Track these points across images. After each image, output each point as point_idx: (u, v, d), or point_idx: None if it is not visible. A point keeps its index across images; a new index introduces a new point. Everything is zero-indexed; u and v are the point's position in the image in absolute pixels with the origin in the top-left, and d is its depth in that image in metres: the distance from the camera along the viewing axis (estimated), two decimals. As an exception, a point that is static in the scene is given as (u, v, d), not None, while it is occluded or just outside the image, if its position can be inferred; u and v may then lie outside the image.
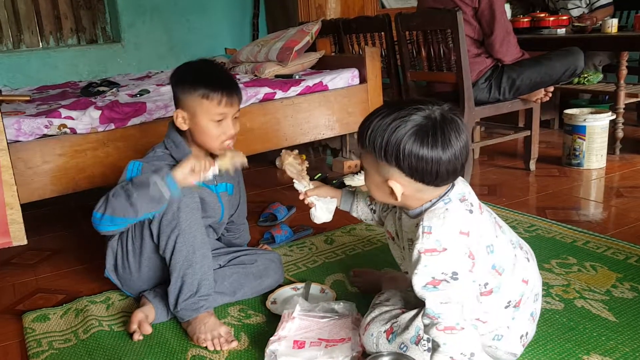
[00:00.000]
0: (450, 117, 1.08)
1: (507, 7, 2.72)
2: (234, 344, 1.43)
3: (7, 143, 1.63)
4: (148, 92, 2.42)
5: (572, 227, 2.01)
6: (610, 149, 2.88)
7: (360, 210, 1.45)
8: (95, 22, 4.30)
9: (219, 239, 1.83)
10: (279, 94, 2.42)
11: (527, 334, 1.24)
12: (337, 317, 1.44)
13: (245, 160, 1.51)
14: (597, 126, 2.70)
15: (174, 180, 1.41)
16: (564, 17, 3.27)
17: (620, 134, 2.93)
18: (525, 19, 3.29)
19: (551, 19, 3.24)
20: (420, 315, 1.14)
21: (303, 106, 2.47)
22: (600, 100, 3.63)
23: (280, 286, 1.71)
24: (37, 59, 3.95)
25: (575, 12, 3.75)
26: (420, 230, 1.08)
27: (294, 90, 2.46)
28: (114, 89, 2.57)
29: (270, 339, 1.36)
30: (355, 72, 2.63)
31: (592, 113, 2.76)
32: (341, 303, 1.48)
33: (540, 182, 2.63)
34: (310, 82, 2.51)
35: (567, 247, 1.87)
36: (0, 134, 1.59)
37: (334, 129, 2.57)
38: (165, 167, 1.45)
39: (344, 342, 1.34)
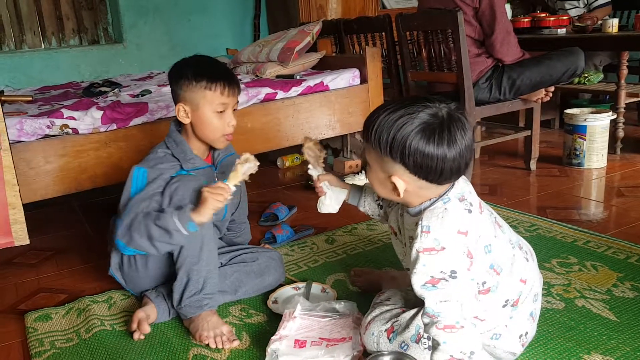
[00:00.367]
0: (457, 116, 1.08)
1: (508, 7, 2.72)
2: (236, 343, 1.43)
3: (10, 143, 1.63)
4: (150, 92, 2.43)
5: (572, 227, 2.02)
6: (611, 149, 2.88)
7: (368, 205, 1.46)
8: (97, 22, 4.31)
9: (220, 238, 1.83)
10: (280, 94, 2.42)
11: (526, 333, 1.24)
12: (338, 316, 1.44)
13: (257, 163, 1.49)
14: (597, 126, 2.70)
15: (195, 225, 1.43)
16: (565, 17, 3.28)
17: (620, 133, 2.93)
18: (526, 19, 3.29)
19: (551, 19, 3.24)
20: (420, 314, 1.14)
21: (304, 106, 2.48)
22: (600, 100, 3.63)
23: (281, 285, 1.71)
24: (39, 59, 3.96)
25: (573, 12, 3.75)
26: (419, 229, 1.08)
27: (295, 91, 2.47)
28: (115, 90, 2.58)
29: (272, 338, 1.36)
30: (356, 72, 2.63)
31: (592, 113, 2.77)
32: (342, 302, 1.49)
33: (541, 181, 2.64)
34: (311, 82, 2.52)
35: (567, 246, 1.87)
36: (2, 134, 1.59)
37: (335, 129, 2.58)
38: (186, 209, 1.44)
39: (345, 341, 1.35)
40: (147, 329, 1.48)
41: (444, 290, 1.06)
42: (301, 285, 1.71)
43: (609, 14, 3.73)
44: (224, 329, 1.46)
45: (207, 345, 1.44)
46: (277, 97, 2.42)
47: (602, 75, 3.33)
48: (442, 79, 2.62)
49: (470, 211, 1.12)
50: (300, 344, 1.34)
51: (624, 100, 2.93)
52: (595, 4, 3.71)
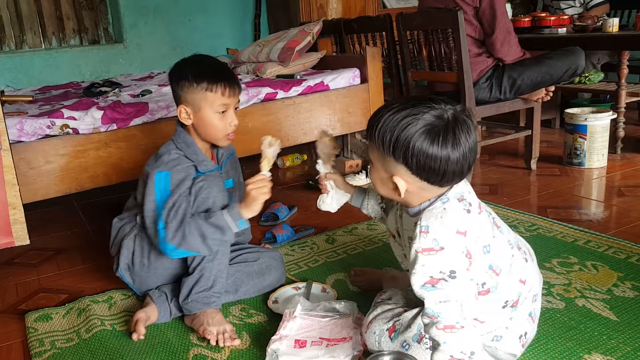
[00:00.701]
0: (463, 118, 1.07)
1: (508, 6, 2.72)
2: (237, 342, 1.44)
3: (10, 143, 1.63)
4: (150, 92, 2.43)
5: (573, 226, 2.02)
6: (612, 148, 2.88)
7: (371, 207, 1.46)
8: (97, 22, 4.31)
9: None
10: (281, 94, 2.42)
11: (525, 334, 1.24)
12: (338, 316, 1.44)
13: (279, 141, 1.53)
14: (598, 125, 2.70)
15: (245, 222, 1.47)
16: (565, 17, 3.27)
17: (621, 133, 2.93)
18: (526, 19, 3.29)
19: (552, 18, 3.24)
20: (421, 315, 1.14)
21: (304, 106, 2.48)
22: (601, 100, 3.62)
23: (281, 285, 1.71)
24: (40, 59, 3.96)
25: (570, 12, 3.75)
26: (418, 229, 1.08)
27: (295, 90, 2.47)
28: (116, 90, 2.58)
29: (272, 338, 1.36)
30: (357, 72, 2.63)
31: (593, 112, 2.76)
32: (342, 302, 1.49)
33: (542, 181, 2.64)
34: (312, 82, 2.52)
35: (568, 246, 1.87)
36: (2, 134, 1.59)
37: (335, 128, 2.58)
38: (234, 206, 1.48)
39: (345, 341, 1.35)
40: (141, 330, 1.48)
41: (444, 291, 1.06)
42: (301, 285, 1.71)
43: (606, 12, 3.73)
44: (227, 327, 1.47)
45: (209, 341, 1.44)
46: (278, 96, 2.42)
47: (602, 75, 3.33)
48: (442, 78, 2.62)
49: (469, 211, 1.12)
50: (300, 344, 1.34)
51: (624, 100, 2.93)
52: (593, 2, 3.71)
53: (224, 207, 1.50)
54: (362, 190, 1.48)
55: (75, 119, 2.00)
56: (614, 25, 2.91)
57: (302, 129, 2.48)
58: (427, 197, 1.14)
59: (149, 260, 1.60)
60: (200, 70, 1.57)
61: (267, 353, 1.33)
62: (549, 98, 2.66)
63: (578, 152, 2.75)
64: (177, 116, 1.62)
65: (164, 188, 1.52)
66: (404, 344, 1.22)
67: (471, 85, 2.48)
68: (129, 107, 2.10)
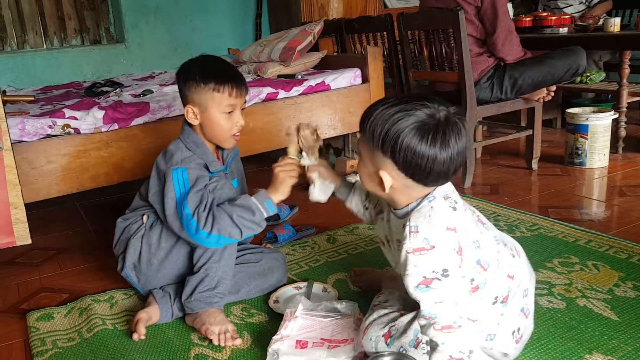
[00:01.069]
0: (455, 120, 1.08)
1: (510, 6, 2.72)
2: (238, 342, 1.44)
3: (12, 143, 1.63)
4: (151, 92, 2.43)
5: (574, 226, 2.01)
6: (613, 148, 2.88)
7: (354, 204, 1.47)
8: (99, 22, 4.32)
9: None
10: (282, 94, 2.43)
11: (519, 329, 1.22)
12: (339, 316, 1.44)
13: (312, 126, 1.52)
14: (599, 125, 2.70)
15: (273, 204, 1.49)
16: (566, 16, 3.27)
17: (622, 132, 2.93)
18: (528, 18, 3.29)
19: (553, 18, 3.24)
20: (417, 318, 1.14)
21: (305, 106, 2.48)
22: (602, 99, 3.62)
23: (282, 285, 1.71)
24: (41, 59, 3.97)
25: (569, 10, 3.74)
26: (407, 230, 1.08)
27: (297, 90, 2.47)
28: (117, 89, 2.58)
29: (273, 338, 1.36)
30: (358, 71, 2.63)
31: (594, 112, 2.76)
32: (344, 302, 1.49)
33: (543, 181, 2.63)
34: (313, 82, 2.52)
35: (569, 246, 1.87)
36: (4, 134, 1.60)
37: (336, 128, 2.58)
38: (263, 192, 1.50)
39: (346, 343, 1.34)
40: (142, 330, 1.49)
41: (438, 291, 1.06)
42: (302, 284, 1.71)
43: (608, 10, 3.72)
44: (229, 326, 1.47)
45: (211, 341, 1.44)
46: (279, 96, 2.42)
47: (604, 75, 3.33)
48: (443, 78, 2.62)
49: (455, 209, 1.12)
50: (301, 344, 1.34)
51: (626, 100, 2.92)
52: (595, 0, 3.70)
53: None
54: (349, 185, 1.49)
55: (76, 119, 2.00)
56: (615, 25, 2.91)
57: (303, 129, 2.48)
58: (413, 196, 1.14)
59: (155, 260, 1.60)
60: (207, 71, 1.57)
61: (268, 353, 1.33)
62: (550, 98, 2.66)
63: (579, 152, 2.75)
64: (183, 115, 1.62)
65: (182, 184, 1.52)
66: (401, 349, 1.21)
67: (472, 85, 2.48)
68: (130, 107, 2.11)
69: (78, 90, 2.90)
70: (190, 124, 1.62)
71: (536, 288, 1.38)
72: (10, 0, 3.95)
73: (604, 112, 2.74)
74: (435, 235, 1.07)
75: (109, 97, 2.43)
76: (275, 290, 1.68)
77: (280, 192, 1.49)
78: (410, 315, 1.23)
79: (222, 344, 1.43)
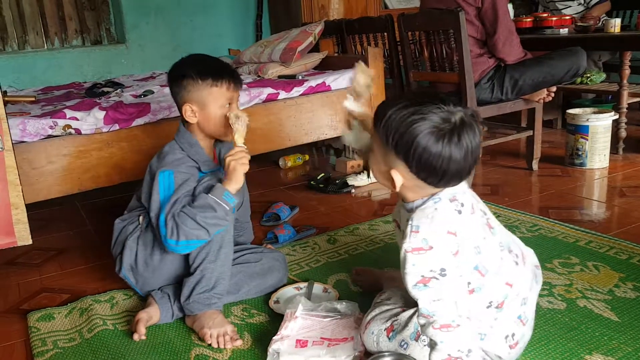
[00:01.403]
0: (470, 123, 1.08)
1: (510, 6, 2.72)
2: (239, 342, 1.44)
3: (13, 143, 1.63)
4: (152, 92, 2.44)
5: (574, 227, 2.02)
6: (613, 149, 2.88)
7: None
8: (99, 23, 4.32)
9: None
10: (282, 95, 2.43)
11: (513, 335, 1.20)
12: (339, 316, 1.44)
13: (245, 114, 1.59)
14: (599, 126, 2.70)
15: (230, 195, 1.48)
16: (567, 17, 3.27)
17: (623, 133, 2.93)
18: (528, 19, 3.29)
19: (554, 19, 3.24)
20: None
21: (306, 106, 2.48)
22: (603, 100, 3.62)
23: (283, 286, 1.72)
24: (42, 60, 3.97)
25: (568, 11, 3.74)
26: (409, 229, 1.09)
27: (297, 91, 2.47)
28: (118, 90, 2.58)
29: (273, 338, 1.36)
30: (358, 72, 2.63)
31: (594, 113, 2.76)
32: (344, 302, 1.49)
33: (543, 182, 2.63)
34: (313, 82, 2.52)
35: (569, 246, 1.87)
36: (5, 134, 1.60)
37: (337, 129, 2.58)
38: (214, 183, 1.51)
39: (346, 341, 1.35)
40: (142, 330, 1.49)
41: (435, 289, 1.07)
42: (303, 285, 1.71)
43: (607, 10, 3.72)
44: (228, 328, 1.47)
45: (210, 344, 1.44)
46: (279, 97, 2.42)
47: (604, 75, 3.32)
48: (444, 79, 2.62)
49: (460, 212, 1.12)
50: (301, 343, 1.35)
51: (626, 100, 2.92)
52: (594, 0, 3.70)
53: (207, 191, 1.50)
54: None
55: (77, 120, 2.00)
56: (615, 25, 2.91)
57: (304, 130, 2.48)
58: (423, 194, 1.14)
59: (152, 261, 1.60)
60: (203, 68, 1.59)
61: (268, 353, 1.33)
62: (550, 98, 2.66)
63: (580, 153, 2.75)
64: (180, 116, 1.62)
65: (167, 187, 1.53)
66: (402, 343, 1.22)
67: (472, 85, 2.48)
68: (131, 107, 2.11)
69: (79, 91, 2.90)
70: (186, 124, 1.62)
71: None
72: (11, 1, 3.96)
73: (605, 112, 2.74)
74: (435, 237, 1.07)
75: (109, 97, 2.43)
76: (275, 290, 1.68)
77: (234, 181, 1.49)
78: (411, 310, 1.24)
79: (222, 347, 1.43)
